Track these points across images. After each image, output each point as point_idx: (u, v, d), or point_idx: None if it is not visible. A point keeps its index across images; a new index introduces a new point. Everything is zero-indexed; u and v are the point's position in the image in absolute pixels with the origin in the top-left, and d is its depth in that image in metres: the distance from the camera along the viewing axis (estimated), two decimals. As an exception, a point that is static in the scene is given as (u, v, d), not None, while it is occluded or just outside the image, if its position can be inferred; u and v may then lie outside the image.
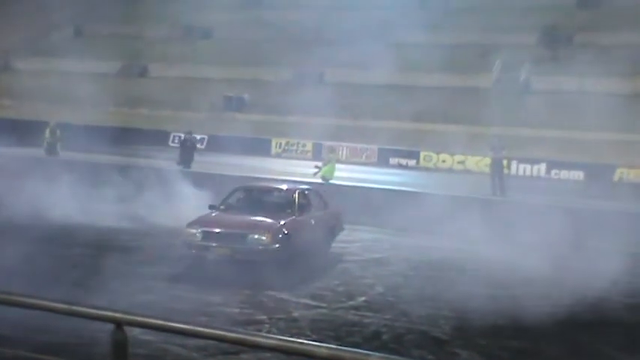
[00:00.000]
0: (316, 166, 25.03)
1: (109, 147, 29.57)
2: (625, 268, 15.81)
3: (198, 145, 33.16)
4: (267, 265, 14.05)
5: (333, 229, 16.95)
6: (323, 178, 24.12)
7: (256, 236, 14.22)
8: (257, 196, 16.35)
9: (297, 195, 15.95)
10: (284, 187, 16.88)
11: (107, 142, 29.77)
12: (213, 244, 14.31)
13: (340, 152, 38.19)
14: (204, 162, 28.43)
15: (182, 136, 29.95)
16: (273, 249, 14.20)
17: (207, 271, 14.26)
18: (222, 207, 15.66)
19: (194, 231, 14.44)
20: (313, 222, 15.81)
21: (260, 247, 14.16)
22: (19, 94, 43.23)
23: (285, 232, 14.55)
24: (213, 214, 15.26)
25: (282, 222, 14.73)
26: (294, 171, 27.23)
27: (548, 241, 16.51)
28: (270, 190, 16.75)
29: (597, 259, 16.06)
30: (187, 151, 27.55)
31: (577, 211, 19.41)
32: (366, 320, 11.85)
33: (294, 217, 15.23)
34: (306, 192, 16.67)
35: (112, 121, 39.18)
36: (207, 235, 14.39)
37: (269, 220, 14.78)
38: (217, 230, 14.46)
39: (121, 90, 44.23)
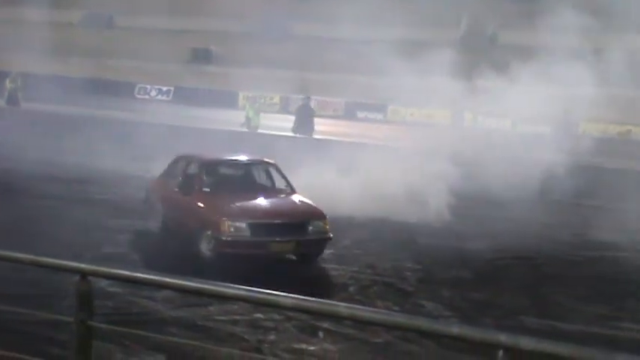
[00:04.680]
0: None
1: (73, 98, 29.24)
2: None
3: (164, 97, 32.92)
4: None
5: None
6: (250, 126, 25.82)
7: (317, 224, 12.06)
8: (233, 172, 13.70)
9: (277, 169, 13.46)
10: (261, 159, 13.87)
11: (71, 93, 29.45)
12: (271, 239, 11.87)
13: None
14: (171, 114, 28.22)
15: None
16: (329, 237, 12.20)
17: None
18: (183, 185, 13.05)
19: (240, 225, 11.71)
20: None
21: (321, 236, 12.12)
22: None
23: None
24: (240, 201, 12.43)
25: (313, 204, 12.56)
26: (263, 123, 27.20)
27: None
28: (247, 164, 13.75)
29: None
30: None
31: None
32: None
33: (296, 194, 12.90)
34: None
35: (76, 72, 38.69)
36: (258, 229, 11.81)
37: (308, 202, 12.55)
38: (275, 221, 12.10)
39: (84, 40, 43.61)
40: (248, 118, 26.88)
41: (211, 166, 13.46)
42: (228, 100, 38.52)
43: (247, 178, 13.48)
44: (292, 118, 26.11)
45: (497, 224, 15.50)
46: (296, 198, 12.74)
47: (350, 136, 25.67)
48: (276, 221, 12.06)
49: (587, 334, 9.54)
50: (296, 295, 4.02)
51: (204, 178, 12.98)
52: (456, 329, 4.47)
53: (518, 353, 4.28)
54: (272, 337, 8.93)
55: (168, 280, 4.31)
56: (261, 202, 12.64)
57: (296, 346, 8.72)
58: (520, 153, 19.18)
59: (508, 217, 15.86)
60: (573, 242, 14.82)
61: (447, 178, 16.49)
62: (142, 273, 4.67)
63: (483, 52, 35.11)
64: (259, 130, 26.13)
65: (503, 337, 4.28)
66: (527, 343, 4.30)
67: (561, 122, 22.77)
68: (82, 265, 4.48)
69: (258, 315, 9.48)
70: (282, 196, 12.88)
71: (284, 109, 38.87)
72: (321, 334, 9.02)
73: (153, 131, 21.72)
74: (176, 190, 13.12)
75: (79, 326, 4.40)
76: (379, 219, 15.11)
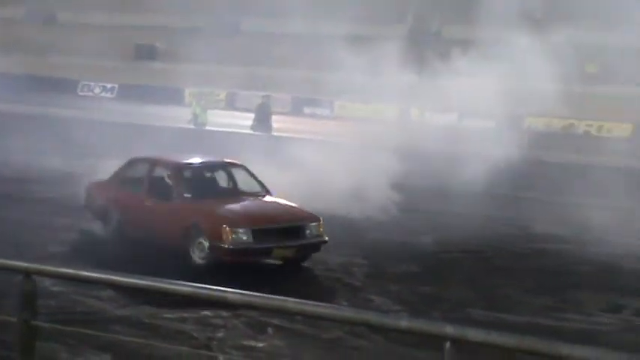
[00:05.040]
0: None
1: (15, 95, 28.76)
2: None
3: (108, 94, 32.57)
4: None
5: None
6: (197, 123, 25.68)
7: (314, 227, 11.73)
8: (206, 176, 13.01)
9: (247, 170, 13.08)
10: (232, 161, 13.39)
11: (13, 90, 28.95)
12: (275, 245, 11.50)
13: (254, 102, 37.96)
14: (115, 111, 27.92)
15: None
16: (325, 240, 11.86)
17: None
18: (141, 188, 12.61)
19: (242, 231, 11.26)
20: None
21: (319, 240, 11.79)
22: None
23: None
24: (230, 205, 12.04)
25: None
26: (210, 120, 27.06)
27: None
28: (219, 167, 13.20)
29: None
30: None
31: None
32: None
33: (274, 196, 12.59)
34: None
35: (18, 68, 38.04)
36: (261, 235, 11.40)
37: (297, 206, 12.24)
38: (278, 226, 11.66)
39: (27, 37, 42.91)
40: (195, 115, 26.73)
41: (186, 170, 12.78)
42: (173, 97, 38.19)
43: (222, 182, 12.99)
44: (239, 114, 26.09)
45: (444, 218, 15.61)
46: (281, 201, 12.39)
47: (298, 133, 25.63)
48: (279, 226, 11.62)
49: (533, 325, 9.66)
50: (243, 291, 4.00)
51: (181, 183, 12.34)
52: (404, 322, 4.50)
53: (465, 345, 4.31)
54: (221, 334, 8.89)
55: (114, 278, 4.26)
56: (254, 206, 12.22)
57: (245, 342, 8.69)
58: (466, 147, 19.35)
59: (455, 211, 15.98)
60: (519, 235, 14.99)
61: (394, 174, 16.56)
62: (88, 272, 4.60)
63: (429, 47, 35.35)
64: (207, 127, 25.99)
65: (450, 329, 4.32)
66: (473, 334, 4.34)
67: (506, 116, 23.03)
68: (26, 264, 4.41)
69: (206, 312, 9.42)
70: (267, 198, 12.44)
71: (230, 105, 38.70)
72: (270, 330, 9.00)
73: (97, 129, 21.46)
74: (142, 195, 12.43)
75: (22, 326, 4.33)
76: (326, 215, 15.08)
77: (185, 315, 9.36)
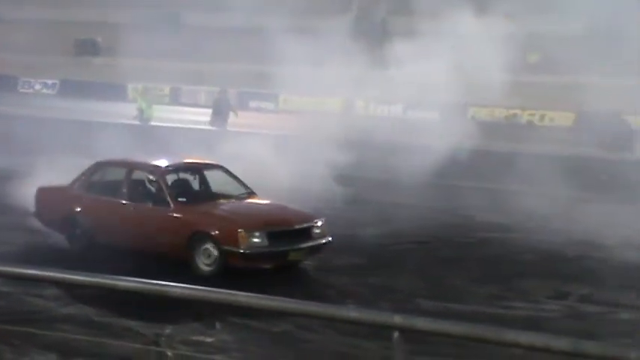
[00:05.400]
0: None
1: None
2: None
3: (49, 91, 32.10)
4: None
5: None
6: (142, 119, 25.55)
7: (320, 227, 11.45)
8: (192, 179, 12.40)
9: (227, 171, 12.64)
10: (213, 162, 12.94)
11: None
12: (290, 248, 11.14)
13: (199, 96, 37.81)
14: (57, 108, 27.53)
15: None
16: (330, 240, 11.62)
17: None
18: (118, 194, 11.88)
19: (258, 234, 10.82)
20: None
21: (326, 240, 11.51)
22: None
23: None
24: (235, 208, 11.66)
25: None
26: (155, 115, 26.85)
27: None
28: (202, 169, 12.54)
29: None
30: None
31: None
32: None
33: (257, 197, 12.22)
34: None
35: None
36: (276, 238, 11.03)
37: (295, 207, 11.98)
38: (291, 228, 11.26)
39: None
40: (141, 111, 26.49)
41: (171, 174, 12.00)
42: (116, 93, 37.78)
43: (210, 184, 12.41)
44: (184, 109, 25.95)
45: (391, 210, 15.68)
46: (276, 202, 12.08)
47: (243, 127, 25.52)
48: (293, 228, 11.22)
49: (480, 314, 9.76)
50: (186, 285, 3.97)
51: (171, 187, 11.69)
52: (352, 313, 4.51)
53: (413, 334, 4.33)
54: (169, 330, 8.81)
55: (53, 274, 4.19)
56: (261, 209, 11.77)
57: (194, 338, 8.63)
58: (411, 139, 19.46)
59: (401, 202, 16.06)
60: (465, 225, 15.12)
61: (339, 166, 16.57)
62: (32, 269, 4.53)
63: (374, 38, 35.48)
64: (152, 123, 25.78)
65: (398, 319, 4.34)
66: (422, 323, 4.37)
67: (450, 107, 23.20)
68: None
69: (154, 309, 9.33)
70: (261, 200, 12.05)
71: (174, 100, 38.42)
72: (218, 325, 8.96)
73: (39, 126, 21.11)
74: (120, 202, 11.69)
75: (-36, 327, 4.24)
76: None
77: (132, 312, 9.26)
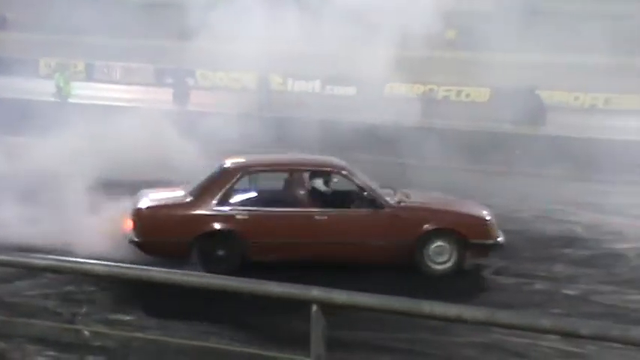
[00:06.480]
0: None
1: None
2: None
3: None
4: None
5: None
6: (61, 96, 25.49)
7: None
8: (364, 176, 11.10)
9: None
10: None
11: None
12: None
13: (114, 73, 37.22)
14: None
15: None
16: None
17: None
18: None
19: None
20: None
21: None
22: None
23: None
24: (448, 202, 11.42)
25: None
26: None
27: None
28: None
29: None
30: None
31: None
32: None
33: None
34: None
35: None
36: None
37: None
38: None
39: None
40: (59, 87, 25.97)
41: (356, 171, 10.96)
42: (28, 69, 36.85)
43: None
44: (97, 86, 25.61)
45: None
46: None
47: (159, 102, 25.23)
48: None
49: (396, 289, 9.84)
50: (109, 263, 3.92)
51: (373, 186, 10.74)
52: (271, 287, 4.52)
53: (331, 308, 4.36)
54: (85, 309, 8.70)
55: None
56: (455, 202, 11.54)
57: (111, 317, 8.53)
58: (328, 114, 19.54)
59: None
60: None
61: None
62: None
63: (291, 13, 35.38)
64: (70, 100, 25.38)
65: (316, 292, 4.37)
66: (340, 297, 4.40)
67: (367, 83, 23.36)
68: None
69: (71, 288, 9.22)
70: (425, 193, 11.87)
71: (89, 77, 37.75)
72: (137, 303, 8.87)
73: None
74: (301, 209, 10.41)
75: None
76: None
77: (48, 291, 9.12)
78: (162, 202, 10.61)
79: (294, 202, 10.50)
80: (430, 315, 4.29)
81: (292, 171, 10.83)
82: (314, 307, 4.36)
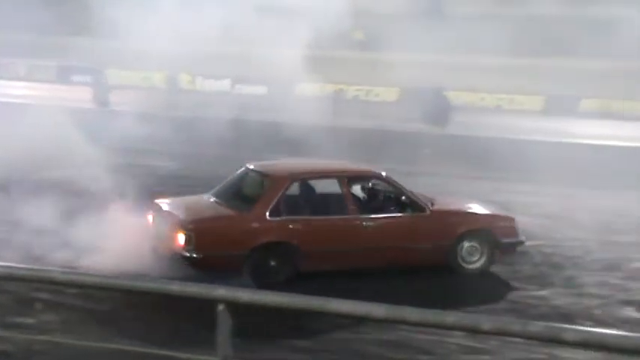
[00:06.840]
0: None
1: None
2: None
3: None
4: None
5: None
6: None
7: None
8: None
9: None
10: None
11: None
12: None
13: (18, 69, 36.32)
14: None
15: None
16: None
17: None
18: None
19: None
20: None
21: None
22: None
23: None
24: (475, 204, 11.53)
25: None
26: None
27: None
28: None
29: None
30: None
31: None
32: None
33: None
34: None
35: None
36: None
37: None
38: None
39: None
40: None
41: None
42: None
43: None
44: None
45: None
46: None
47: (65, 100, 24.75)
48: None
49: (330, 290, 9.84)
50: (4, 263, 3.81)
51: (412, 191, 10.83)
52: (175, 287, 4.47)
53: (237, 306, 4.34)
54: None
55: None
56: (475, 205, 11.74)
57: (12, 319, 8.30)
58: (238, 113, 19.46)
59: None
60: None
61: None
62: None
63: (201, 11, 35.12)
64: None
65: (222, 291, 4.34)
66: (246, 295, 4.38)
67: (277, 83, 23.38)
68: None
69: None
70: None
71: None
72: (39, 305, 8.65)
73: None
74: (351, 216, 10.28)
75: None
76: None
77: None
78: (215, 214, 10.18)
79: (342, 210, 10.35)
80: (336, 312, 4.31)
81: (337, 177, 10.58)
82: (220, 307, 4.33)
